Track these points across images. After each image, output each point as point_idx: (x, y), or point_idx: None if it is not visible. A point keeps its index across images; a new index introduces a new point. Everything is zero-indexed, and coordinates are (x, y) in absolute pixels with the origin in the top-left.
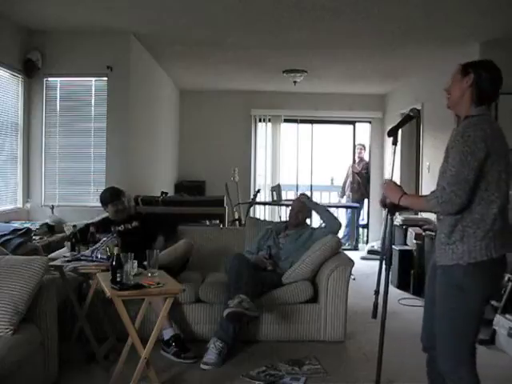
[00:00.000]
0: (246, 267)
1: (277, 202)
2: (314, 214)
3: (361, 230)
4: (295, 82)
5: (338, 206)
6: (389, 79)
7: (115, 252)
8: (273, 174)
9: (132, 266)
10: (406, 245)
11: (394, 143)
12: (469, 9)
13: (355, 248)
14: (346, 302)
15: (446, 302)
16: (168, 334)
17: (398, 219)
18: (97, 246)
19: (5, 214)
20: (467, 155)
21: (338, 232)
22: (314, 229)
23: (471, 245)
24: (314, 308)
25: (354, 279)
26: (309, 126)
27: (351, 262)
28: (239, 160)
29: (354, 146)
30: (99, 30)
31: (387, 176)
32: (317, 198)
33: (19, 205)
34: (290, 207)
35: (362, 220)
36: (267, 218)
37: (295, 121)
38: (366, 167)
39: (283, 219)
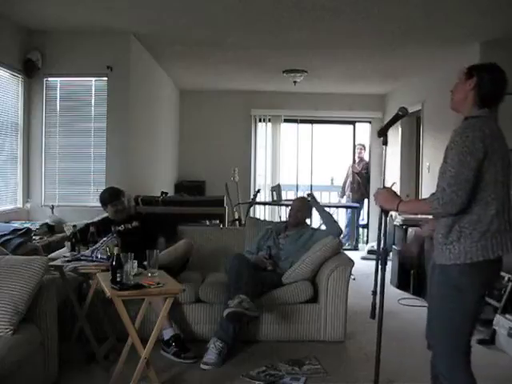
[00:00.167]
0: (246, 267)
1: (277, 201)
2: (313, 214)
3: (361, 229)
4: (295, 81)
5: (338, 206)
6: (389, 79)
7: (115, 252)
8: (273, 174)
9: (132, 266)
10: None
11: (385, 143)
12: (469, 9)
13: (355, 248)
14: (346, 302)
15: (443, 302)
16: (168, 334)
17: (398, 219)
18: (97, 245)
19: (5, 214)
20: (466, 155)
21: (338, 236)
22: (315, 229)
23: (468, 245)
24: (313, 308)
25: (354, 279)
26: (309, 126)
27: (351, 262)
28: (239, 160)
29: (354, 146)
30: (99, 30)
31: (387, 176)
32: (317, 198)
33: (19, 205)
34: (290, 207)
35: (362, 220)
36: (267, 218)
37: (295, 121)
38: (366, 167)
39: (283, 219)
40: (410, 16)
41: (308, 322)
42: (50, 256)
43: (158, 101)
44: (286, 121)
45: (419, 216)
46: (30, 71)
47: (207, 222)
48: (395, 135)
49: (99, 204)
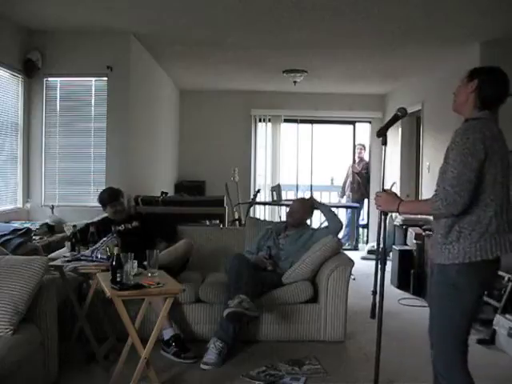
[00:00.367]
0: (246, 267)
1: (277, 202)
2: (313, 214)
3: (361, 229)
4: (295, 81)
5: (338, 206)
6: (389, 79)
7: (115, 252)
8: (273, 174)
9: (132, 266)
10: (406, 245)
11: (384, 144)
12: (469, 9)
13: (355, 248)
14: (346, 302)
15: (441, 301)
16: (168, 334)
17: (398, 219)
18: (97, 245)
19: (5, 214)
20: (468, 156)
21: (339, 232)
22: (315, 229)
23: (467, 246)
24: (313, 308)
25: (354, 279)
26: (309, 126)
27: (351, 262)
28: (239, 160)
29: (354, 146)
30: (99, 30)
31: (387, 176)
32: (317, 198)
33: (19, 205)
34: (289, 207)
35: (362, 220)
36: (267, 218)
37: (295, 121)
38: (366, 167)
39: (283, 219)
40: (410, 16)
41: (308, 322)
42: (50, 256)
43: (157, 101)
44: (285, 121)
45: (419, 216)
46: (30, 71)
47: (207, 222)
48: (395, 135)
49: (99, 204)
